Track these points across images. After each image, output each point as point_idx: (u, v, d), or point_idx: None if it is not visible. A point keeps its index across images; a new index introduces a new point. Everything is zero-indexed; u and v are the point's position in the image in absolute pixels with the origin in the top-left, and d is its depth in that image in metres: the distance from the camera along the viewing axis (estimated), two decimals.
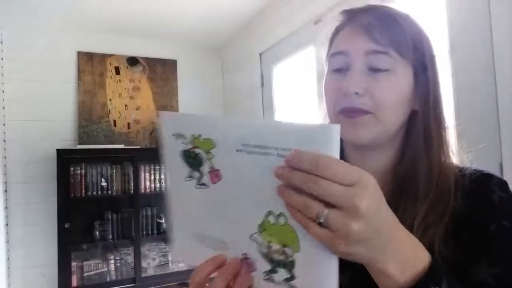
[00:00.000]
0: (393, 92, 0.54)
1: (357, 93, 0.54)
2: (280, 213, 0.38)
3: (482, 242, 0.49)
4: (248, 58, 2.82)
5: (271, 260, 0.40)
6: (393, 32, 0.55)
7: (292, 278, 0.39)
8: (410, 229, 0.47)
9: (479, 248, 0.49)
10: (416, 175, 0.54)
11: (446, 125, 0.58)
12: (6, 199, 2.59)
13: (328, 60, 0.61)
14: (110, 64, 2.95)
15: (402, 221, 0.48)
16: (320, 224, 0.34)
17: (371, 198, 0.34)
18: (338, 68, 0.58)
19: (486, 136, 1.16)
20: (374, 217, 0.34)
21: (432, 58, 0.58)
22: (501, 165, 1.13)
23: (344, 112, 0.55)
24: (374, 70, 0.54)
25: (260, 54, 2.67)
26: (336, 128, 0.34)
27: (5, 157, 2.60)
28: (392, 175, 0.58)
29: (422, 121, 0.56)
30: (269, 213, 0.39)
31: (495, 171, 0.54)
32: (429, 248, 0.46)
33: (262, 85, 2.67)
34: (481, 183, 0.53)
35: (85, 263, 2.61)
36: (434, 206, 0.51)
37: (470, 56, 1.23)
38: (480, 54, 1.20)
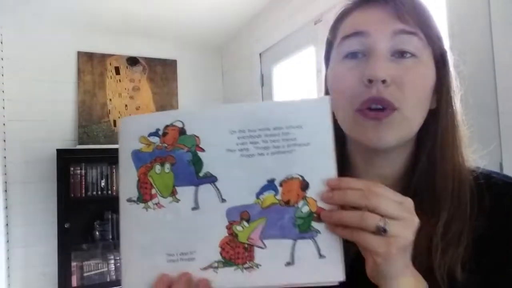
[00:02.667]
0: (422, 83, 0.47)
1: (384, 81, 0.45)
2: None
3: (506, 277, 0.44)
4: (248, 58, 2.82)
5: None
6: (422, 14, 0.48)
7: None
8: (428, 249, 0.45)
9: (503, 283, 0.44)
10: (432, 183, 0.48)
11: (460, 123, 0.51)
12: (6, 199, 2.59)
13: (337, 46, 0.51)
14: (110, 64, 2.95)
15: (418, 243, 0.44)
16: (374, 233, 0.37)
17: (416, 216, 0.39)
18: (353, 52, 0.49)
19: (486, 136, 1.16)
20: (415, 232, 0.39)
21: (446, 51, 0.52)
22: (501, 165, 1.13)
23: (366, 106, 0.46)
24: (399, 54, 0.47)
25: (260, 54, 2.67)
26: (329, 100, 0.40)
27: (5, 157, 2.60)
28: (403, 184, 0.52)
29: (441, 122, 0.50)
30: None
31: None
32: (449, 274, 0.43)
33: (262, 85, 2.67)
34: (503, 196, 0.47)
35: (85, 263, 2.61)
36: (452, 221, 0.46)
37: (470, 56, 1.23)
38: (480, 53, 1.20)
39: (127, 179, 0.42)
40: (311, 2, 2.06)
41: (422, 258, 0.45)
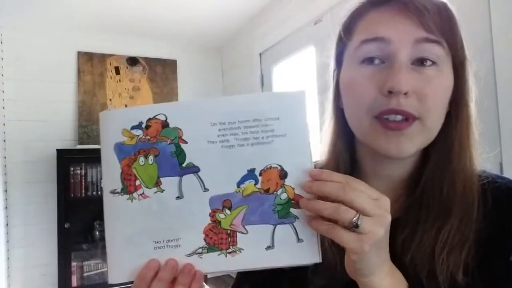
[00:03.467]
0: (442, 94, 0.46)
1: (405, 93, 0.44)
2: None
3: (504, 270, 0.44)
4: (248, 58, 2.82)
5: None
6: (445, 21, 0.46)
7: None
8: (431, 254, 0.44)
9: (501, 278, 0.44)
10: (440, 186, 0.47)
11: (473, 128, 0.50)
12: (6, 199, 2.59)
13: (354, 48, 0.49)
14: (110, 64, 2.95)
15: (421, 245, 0.45)
16: (347, 228, 0.37)
17: (390, 214, 0.39)
18: (369, 58, 0.47)
19: (486, 136, 1.16)
20: (388, 229, 0.39)
21: (465, 54, 0.50)
22: (501, 165, 1.13)
23: (386, 115, 0.45)
24: (419, 62, 0.45)
25: (260, 54, 2.67)
26: (304, 93, 0.42)
27: (5, 157, 2.60)
28: (407, 185, 0.51)
29: (454, 125, 0.49)
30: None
31: (495, 171, 0.53)
32: (451, 278, 0.43)
33: (262, 85, 2.67)
34: (504, 200, 0.46)
35: (85, 263, 2.62)
36: (458, 227, 0.45)
37: (469, 56, 1.23)
38: (480, 54, 1.20)
39: (110, 172, 0.43)
40: (311, 2, 2.06)
41: (425, 260, 0.45)
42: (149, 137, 0.42)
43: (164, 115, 0.42)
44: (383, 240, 0.39)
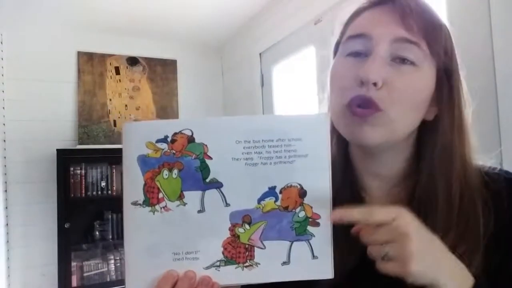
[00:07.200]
0: (415, 90, 0.47)
1: (375, 84, 0.45)
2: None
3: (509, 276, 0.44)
4: (248, 58, 2.82)
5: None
6: (429, 23, 0.47)
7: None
8: None
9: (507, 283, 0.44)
10: (435, 196, 0.48)
11: (466, 136, 0.51)
12: (6, 199, 2.59)
13: (342, 44, 0.52)
14: (110, 64, 2.95)
15: None
16: (384, 259, 0.39)
17: (410, 221, 0.39)
18: (355, 52, 0.49)
19: (486, 136, 1.16)
20: (419, 233, 0.39)
21: (458, 65, 0.52)
22: (501, 165, 1.13)
23: (354, 103, 0.47)
24: (398, 60, 0.47)
25: (260, 54, 2.67)
26: (326, 115, 0.44)
27: (5, 157, 2.60)
28: (408, 190, 0.51)
29: (440, 134, 0.50)
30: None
31: None
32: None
33: (262, 85, 2.67)
34: (502, 191, 0.47)
35: (85, 263, 2.61)
36: (459, 242, 0.45)
37: (469, 56, 1.23)
38: (480, 53, 1.20)
39: (132, 183, 0.44)
40: (311, 2, 2.06)
41: None
42: (174, 151, 0.43)
43: (190, 130, 0.43)
44: (420, 246, 0.38)
